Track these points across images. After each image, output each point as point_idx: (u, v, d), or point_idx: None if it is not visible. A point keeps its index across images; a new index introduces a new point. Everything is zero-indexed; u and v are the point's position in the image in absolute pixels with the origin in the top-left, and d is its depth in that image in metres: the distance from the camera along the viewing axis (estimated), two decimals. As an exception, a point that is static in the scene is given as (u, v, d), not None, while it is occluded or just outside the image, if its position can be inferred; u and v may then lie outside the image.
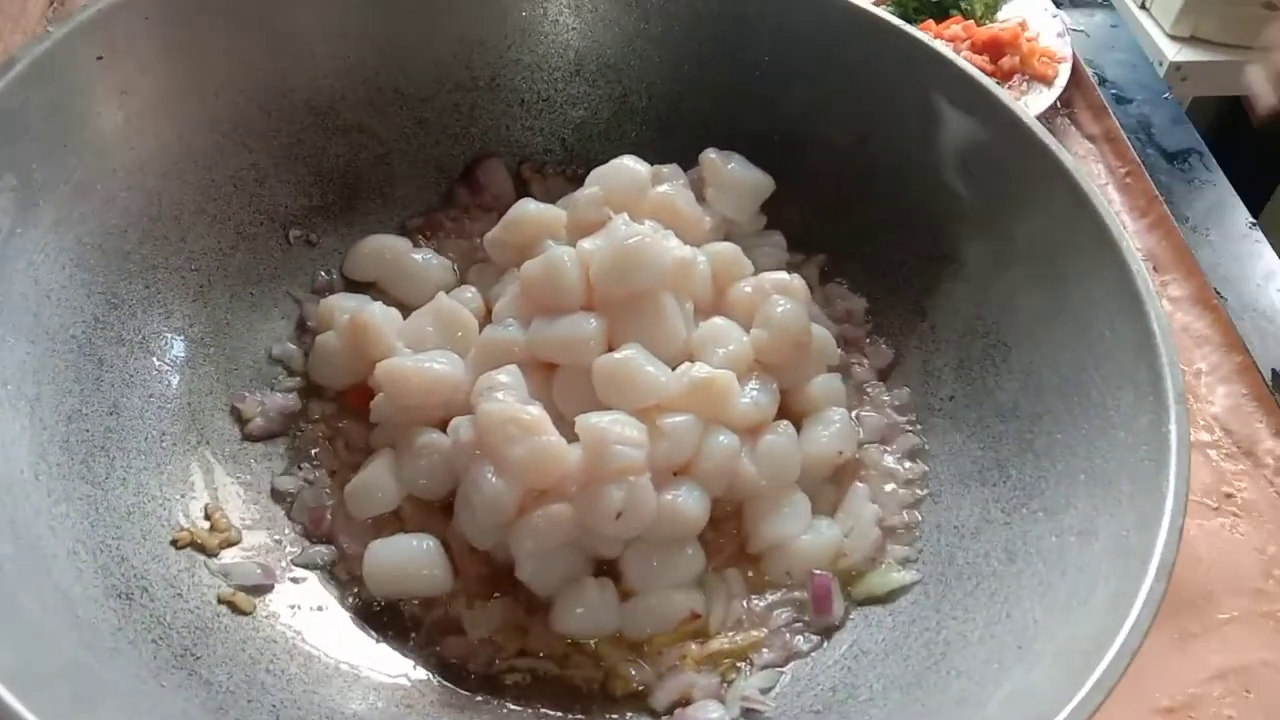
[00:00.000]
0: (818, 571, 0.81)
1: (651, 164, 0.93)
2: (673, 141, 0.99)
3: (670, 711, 0.75)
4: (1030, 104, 1.28)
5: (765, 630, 0.80)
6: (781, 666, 0.78)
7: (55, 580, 0.66)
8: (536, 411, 0.76)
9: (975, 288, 0.89)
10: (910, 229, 0.93)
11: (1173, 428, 0.69)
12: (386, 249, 0.95)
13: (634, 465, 0.75)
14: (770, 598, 0.81)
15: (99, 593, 0.68)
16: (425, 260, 0.94)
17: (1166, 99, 1.35)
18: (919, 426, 0.90)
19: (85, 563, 0.69)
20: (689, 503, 0.78)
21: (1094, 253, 0.78)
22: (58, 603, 0.64)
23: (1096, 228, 0.78)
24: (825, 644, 0.79)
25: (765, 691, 0.76)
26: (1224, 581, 0.94)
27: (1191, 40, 1.63)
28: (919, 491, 0.86)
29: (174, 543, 0.77)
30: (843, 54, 0.93)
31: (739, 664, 0.78)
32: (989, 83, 0.86)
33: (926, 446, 0.89)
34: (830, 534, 0.83)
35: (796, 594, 0.81)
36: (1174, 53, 1.62)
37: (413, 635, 0.78)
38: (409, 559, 0.79)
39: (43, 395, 0.74)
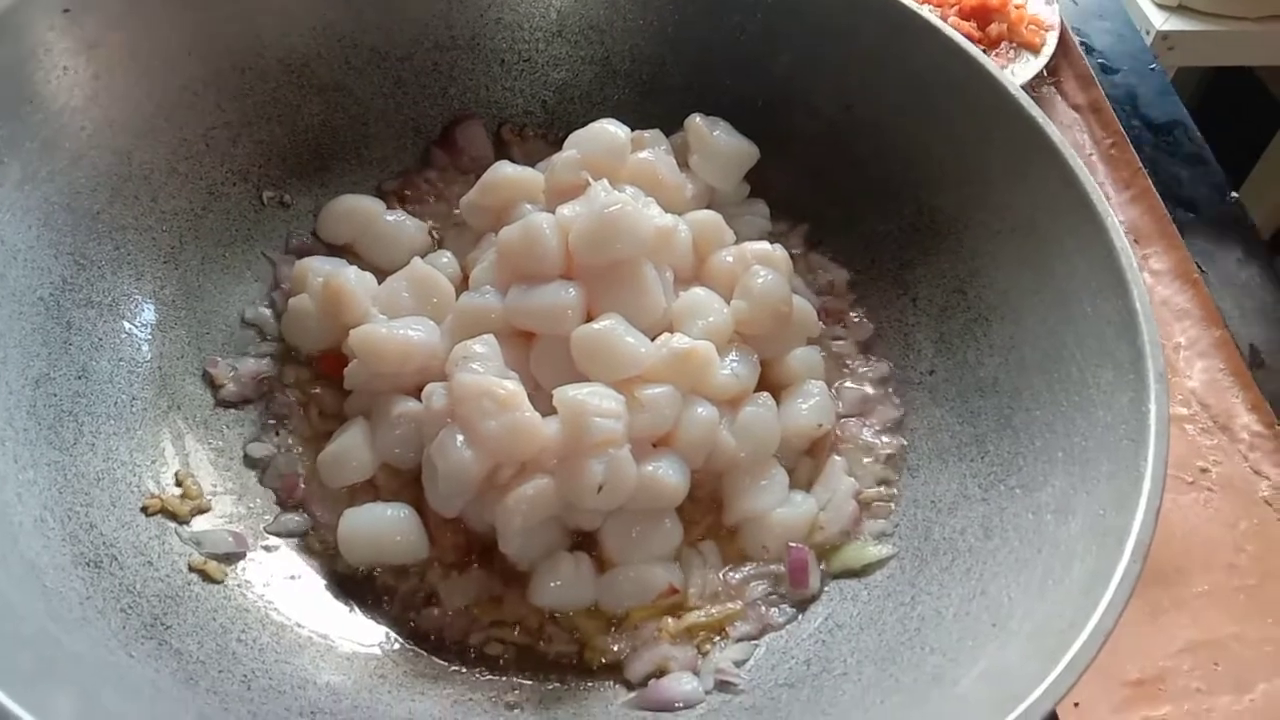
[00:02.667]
0: (794, 545, 0.81)
1: (633, 128, 0.91)
2: (656, 105, 0.98)
3: (645, 683, 0.75)
4: (1017, 72, 1.26)
5: (741, 603, 0.79)
6: (756, 639, 0.78)
7: (21, 549, 0.65)
8: (512, 385, 0.75)
9: (958, 261, 0.88)
10: (894, 199, 0.92)
11: (1152, 407, 0.69)
12: (359, 211, 0.93)
13: (613, 438, 0.74)
14: (746, 570, 0.81)
15: (67, 561, 0.67)
16: (399, 223, 0.93)
17: (1153, 70, 1.34)
18: (898, 400, 0.89)
19: (53, 530, 0.68)
20: (669, 474, 0.77)
21: (1078, 230, 0.78)
22: (24, 572, 0.63)
23: (1082, 204, 0.78)
24: (800, 617, 0.79)
25: (740, 664, 0.76)
26: (1196, 556, 0.95)
27: (1180, 9, 1.63)
28: (896, 466, 0.86)
29: (144, 510, 0.76)
30: (829, 20, 0.91)
31: (714, 637, 0.78)
32: (977, 53, 0.85)
33: (905, 420, 0.88)
34: (806, 507, 0.83)
35: (773, 567, 0.81)
36: (1161, 21, 1.61)
37: (387, 605, 0.78)
38: (383, 527, 0.78)
39: (9, 359, 0.72)
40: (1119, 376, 0.72)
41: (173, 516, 0.77)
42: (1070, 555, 0.67)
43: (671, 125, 0.95)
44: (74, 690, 0.57)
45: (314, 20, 0.92)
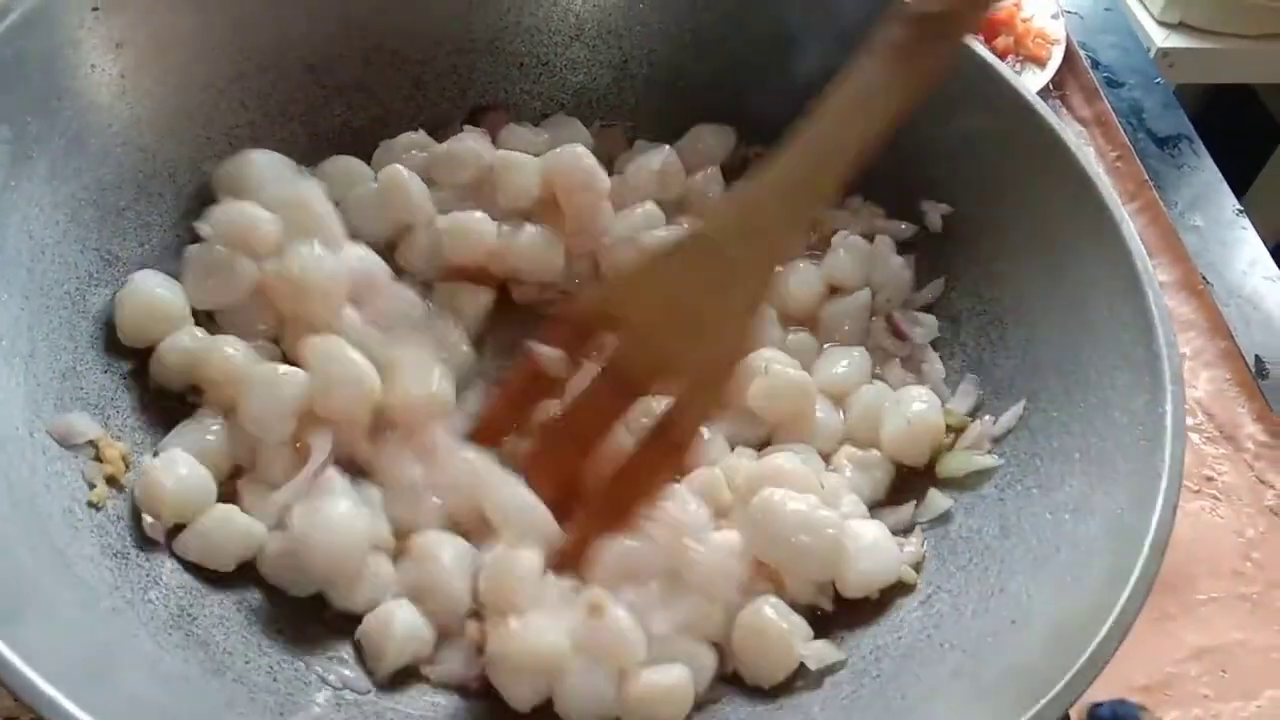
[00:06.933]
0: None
1: (650, 133, 0.93)
2: (673, 110, 0.99)
3: None
4: (1023, 85, 1.28)
5: None
6: None
7: (52, 539, 0.65)
8: None
9: (973, 265, 0.89)
10: (910, 205, 0.94)
11: (1168, 408, 0.70)
12: (353, 171, 0.91)
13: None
14: None
15: (95, 551, 0.68)
16: None
17: (1158, 84, 1.36)
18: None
19: (81, 521, 0.68)
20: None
21: (1095, 234, 0.79)
22: (54, 561, 0.64)
23: (1098, 209, 0.79)
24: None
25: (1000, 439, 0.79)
26: (1203, 563, 0.95)
27: (1180, 27, 1.64)
28: None
29: (168, 504, 0.76)
30: (850, 29, 0.92)
31: None
32: (995, 61, 0.86)
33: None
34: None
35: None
36: (1162, 39, 1.63)
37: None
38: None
39: (37, 352, 0.73)
40: (1135, 379, 0.73)
41: (196, 510, 0.77)
42: (1089, 553, 0.68)
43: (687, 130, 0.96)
44: (108, 678, 0.58)
45: (336, 22, 0.93)
